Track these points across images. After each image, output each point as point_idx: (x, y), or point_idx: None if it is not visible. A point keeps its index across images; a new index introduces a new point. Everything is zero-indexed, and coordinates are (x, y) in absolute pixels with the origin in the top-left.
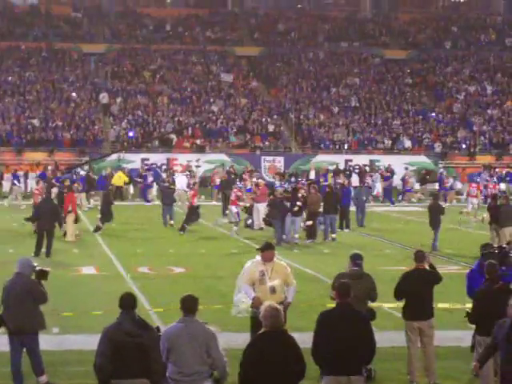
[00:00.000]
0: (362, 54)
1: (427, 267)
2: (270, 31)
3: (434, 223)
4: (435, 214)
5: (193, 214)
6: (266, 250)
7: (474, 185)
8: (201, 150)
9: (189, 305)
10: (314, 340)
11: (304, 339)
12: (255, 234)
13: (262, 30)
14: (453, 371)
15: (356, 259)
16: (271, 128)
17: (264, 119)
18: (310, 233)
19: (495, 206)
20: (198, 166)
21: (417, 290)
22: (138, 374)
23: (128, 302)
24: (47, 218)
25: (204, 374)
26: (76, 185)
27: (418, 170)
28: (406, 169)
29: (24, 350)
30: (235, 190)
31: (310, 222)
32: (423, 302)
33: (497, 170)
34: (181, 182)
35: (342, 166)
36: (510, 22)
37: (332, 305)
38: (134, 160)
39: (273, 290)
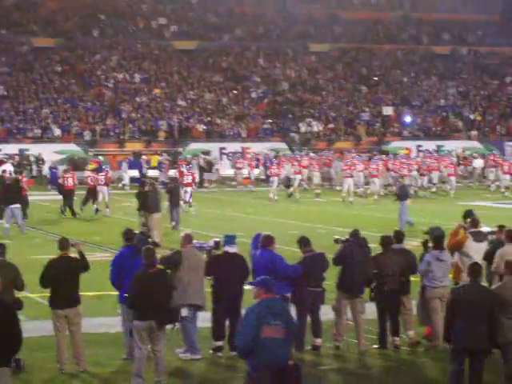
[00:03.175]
0: (10, 42)
1: (75, 255)
2: None
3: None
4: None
5: None
6: None
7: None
8: None
9: None
10: None
11: None
12: None
13: None
14: (102, 358)
15: None
16: None
17: None
18: None
19: (143, 192)
20: None
21: (61, 278)
22: None
23: None
24: None
25: None
26: None
27: (69, 158)
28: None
29: None
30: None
31: None
32: (68, 290)
33: (143, 157)
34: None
35: None
36: (157, 10)
37: None
38: None
39: None
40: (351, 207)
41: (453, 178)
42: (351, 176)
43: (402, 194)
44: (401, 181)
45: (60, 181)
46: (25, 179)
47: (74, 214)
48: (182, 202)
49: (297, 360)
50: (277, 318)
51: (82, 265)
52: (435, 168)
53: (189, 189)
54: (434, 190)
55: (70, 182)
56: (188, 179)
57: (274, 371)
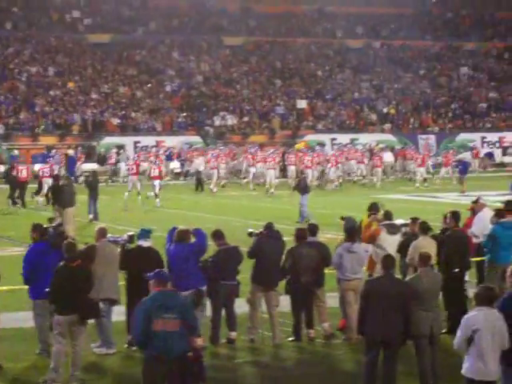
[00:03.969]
0: None
1: None
2: None
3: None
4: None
5: None
6: None
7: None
8: None
9: None
10: None
11: None
12: None
13: None
14: (16, 353)
15: None
16: None
17: None
18: None
19: (57, 186)
20: None
21: None
22: None
23: None
24: None
25: None
26: None
27: None
28: None
29: None
30: None
31: None
32: None
33: (53, 151)
34: None
35: None
36: (71, 3)
37: None
38: None
39: None
40: (266, 200)
41: (379, 169)
42: (274, 168)
43: (302, 188)
44: (300, 175)
45: (13, 172)
46: None
47: (23, 205)
48: (151, 194)
49: (199, 352)
50: (170, 311)
51: None
52: (361, 161)
53: (156, 182)
54: (362, 182)
55: (24, 174)
56: (155, 172)
57: (170, 363)
